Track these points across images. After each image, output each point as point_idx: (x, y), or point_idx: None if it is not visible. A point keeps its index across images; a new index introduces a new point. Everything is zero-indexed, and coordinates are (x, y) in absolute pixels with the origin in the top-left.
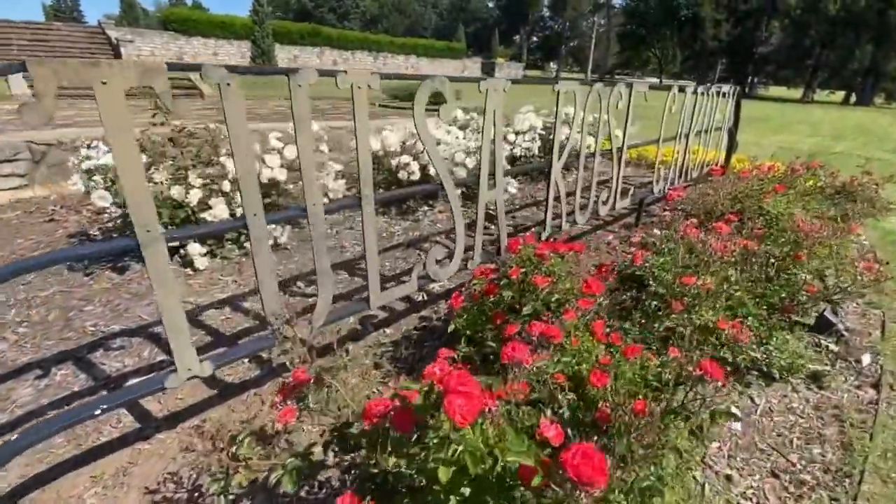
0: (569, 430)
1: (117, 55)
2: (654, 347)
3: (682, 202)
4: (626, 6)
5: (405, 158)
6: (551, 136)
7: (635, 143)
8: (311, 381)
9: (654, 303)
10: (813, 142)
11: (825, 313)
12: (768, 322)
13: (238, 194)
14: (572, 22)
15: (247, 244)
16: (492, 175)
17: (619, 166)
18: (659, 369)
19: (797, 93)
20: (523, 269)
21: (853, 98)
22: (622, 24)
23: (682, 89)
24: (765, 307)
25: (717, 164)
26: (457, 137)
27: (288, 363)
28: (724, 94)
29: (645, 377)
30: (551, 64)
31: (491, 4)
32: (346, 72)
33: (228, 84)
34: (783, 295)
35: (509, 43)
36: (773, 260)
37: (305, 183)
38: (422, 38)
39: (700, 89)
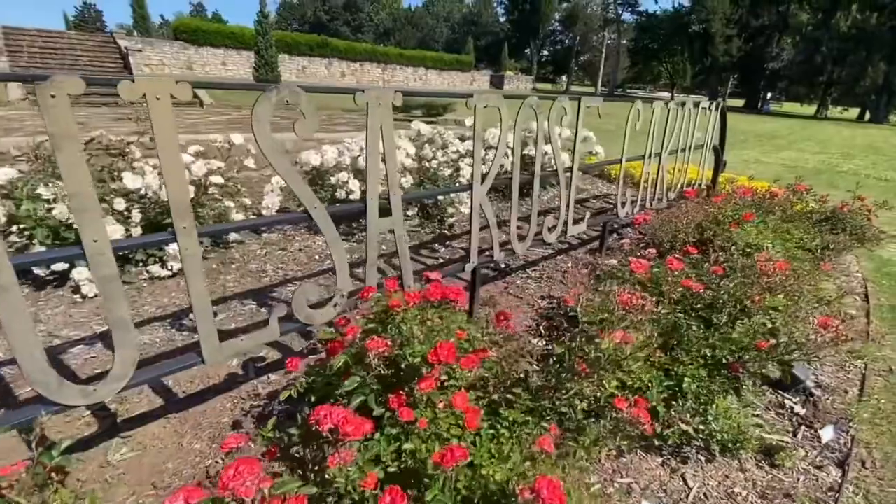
0: None
1: (126, 64)
2: (546, 424)
3: (650, 227)
4: (637, 21)
5: (343, 176)
6: (523, 151)
7: (600, 162)
8: None
9: (560, 363)
10: (819, 160)
11: (794, 370)
12: (713, 382)
13: (137, 213)
14: (583, 36)
15: (152, 268)
16: (387, 199)
17: (569, 190)
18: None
19: (811, 109)
20: (370, 326)
21: (868, 115)
22: (632, 39)
23: (648, 102)
24: (710, 364)
25: (698, 185)
26: (407, 154)
27: None
28: (704, 109)
29: (484, 486)
30: (563, 77)
31: (503, 19)
32: (133, 80)
33: None
34: (734, 348)
35: (520, 56)
36: (728, 304)
37: (76, 214)
38: (431, 50)
39: (672, 104)
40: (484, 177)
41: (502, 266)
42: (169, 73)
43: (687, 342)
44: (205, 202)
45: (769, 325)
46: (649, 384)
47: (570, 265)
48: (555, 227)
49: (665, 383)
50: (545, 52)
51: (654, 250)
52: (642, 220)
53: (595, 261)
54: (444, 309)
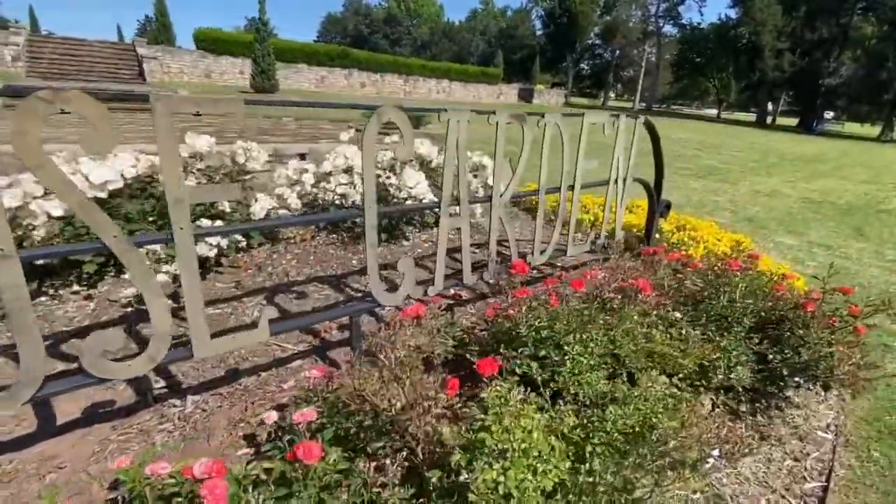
0: None
1: (141, 71)
2: None
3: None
4: (679, 35)
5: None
6: (384, 180)
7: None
8: None
9: None
10: (861, 192)
11: None
12: None
13: None
14: (622, 50)
15: None
16: None
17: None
18: None
19: (875, 130)
20: None
21: None
22: (674, 53)
23: (435, 112)
24: None
25: (600, 239)
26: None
27: None
28: (597, 124)
29: None
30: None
31: (539, 32)
32: None
33: None
34: None
35: (557, 70)
36: None
37: None
38: (466, 63)
39: (502, 115)
40: None
41: (182, 381)
42: (188, 80)
43: None
44: None
45: None
46: None
47: (303, 375)
48: (143, 353)
49: None
50: (584, 67)
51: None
52: (414, 314)
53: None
54: None
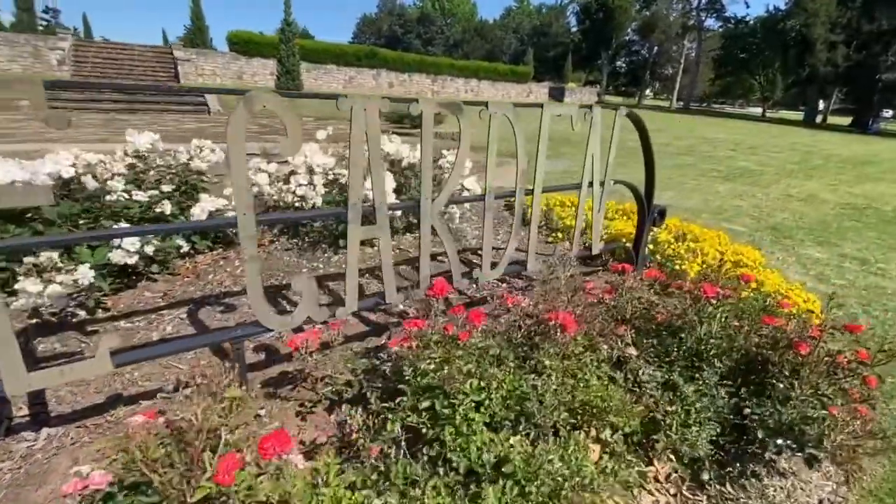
0: None
1: (177, 73)
2: None
3: None
4: (723, 29)
5: None
6: (345, 179)
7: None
8: None
9: None
10: None
11: None
12: None
13: None
14: (660, 46)
15: None
16: None
17: None
18: None
19: None
20: None
21: None
22: (715, 49)
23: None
24: None
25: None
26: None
27: None
28: (562, 116)
29: None
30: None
31: (574, 29)
32: None
33: None
34: None
35: (591, 68)
36: None
37: None
38: (491, 61)
39: (430, 107)
40: None
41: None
42: (220, 82)
43: None
44: None
45: None
46: None
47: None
48: None
49: None
50: (620, 64)
51: None
52: (300, 342)
53: None
54: None
